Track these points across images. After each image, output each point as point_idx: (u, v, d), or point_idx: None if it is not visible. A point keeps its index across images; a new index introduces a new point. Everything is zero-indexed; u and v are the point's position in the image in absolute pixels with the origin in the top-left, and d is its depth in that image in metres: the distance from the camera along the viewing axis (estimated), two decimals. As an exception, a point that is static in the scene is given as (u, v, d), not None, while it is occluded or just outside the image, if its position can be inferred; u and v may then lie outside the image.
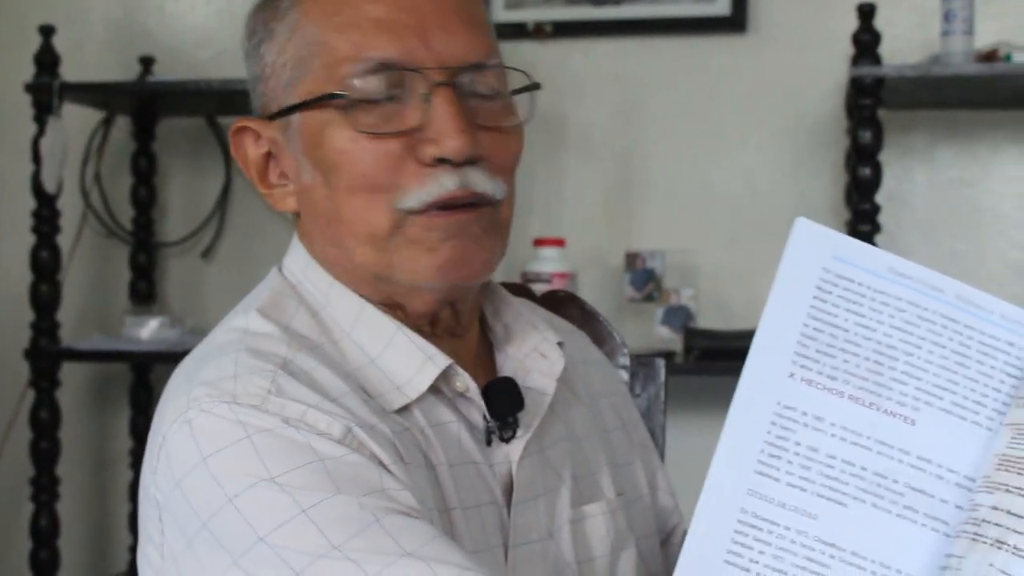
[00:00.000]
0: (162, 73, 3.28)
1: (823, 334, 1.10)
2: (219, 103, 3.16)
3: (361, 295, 1.20)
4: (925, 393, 1.10)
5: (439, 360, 1.17)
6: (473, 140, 1.15)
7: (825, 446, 1.07)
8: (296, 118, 1.18)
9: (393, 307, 1.20)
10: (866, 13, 2.68)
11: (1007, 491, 1.03)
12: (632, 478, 1.37)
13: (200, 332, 3.19)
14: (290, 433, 1.06)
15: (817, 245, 1.13)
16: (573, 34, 3.18)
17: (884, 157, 2.91)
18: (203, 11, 3.37)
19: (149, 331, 3.15)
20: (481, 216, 1.17)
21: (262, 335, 1.15)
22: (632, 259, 3.03)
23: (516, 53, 3.17)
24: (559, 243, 2.99)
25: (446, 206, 1.15)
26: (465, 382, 1.18)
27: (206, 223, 3.38)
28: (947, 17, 2.68)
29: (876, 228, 2.73)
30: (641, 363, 1.55)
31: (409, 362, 1.17)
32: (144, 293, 3.34)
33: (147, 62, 3.29)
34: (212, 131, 3.35)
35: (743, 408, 1.08)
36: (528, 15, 3.17)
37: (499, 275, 3.41)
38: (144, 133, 3.34)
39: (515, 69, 1.22)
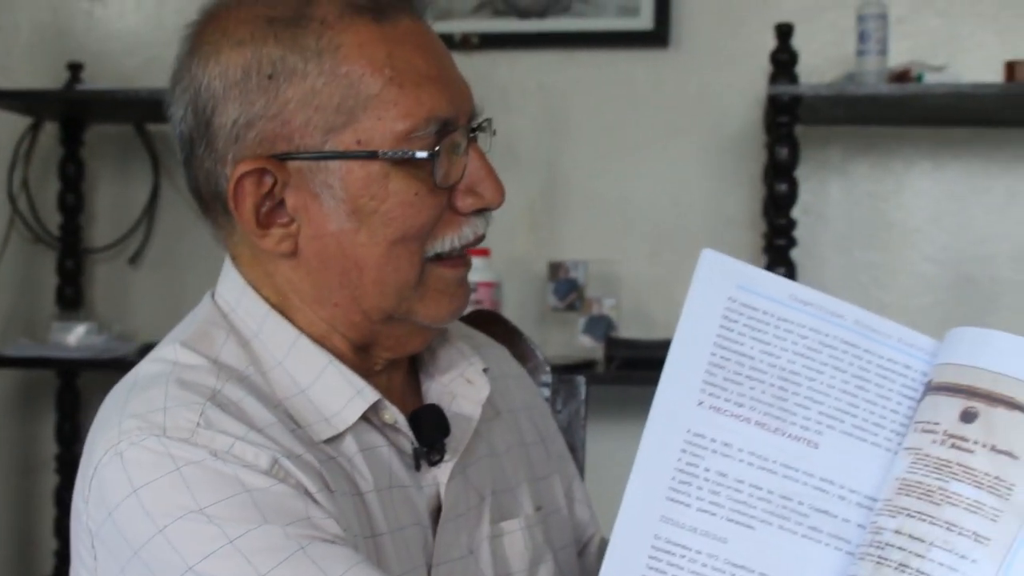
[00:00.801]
0: (91, 79, 3.29)
1: (730, 362, 1.14)
2: (148, 111, 3.16)
3: (310, 332, 1.23)
4: (827, 417, 1.13)
5: (368, 394, 1.21)
6: (503, 188, 1.23)
7: (733, 471, 1.11)
8: (336, 165, 1.18)
9: (365, 348, 1.25)
10: (784, 33, 2.75)
11: (908, 515, 1.07)
12: (550, 491, 1.42)
13: (127, 338, 3.21)
14: (218, 465, 1.09)
15: (722, 275, 1.16)
16: (499, 46, 3.22)
17: (801, 171, 2.98)
18: (132, 18, 3.38)
19: (76, 337, 3.15)
20: (471, 261, 1.27)
21: (191, 367, 1.18)
22: (555, 269, 3.08)
23: (443, 64, 3.21)
24: (484, 253, 3.02)
25: (462, 251, 1.23)
26: (393, 415, 1.23)
27: (134, 229, 3.39)
28: (862, 37, 2.76)
29: (791, 242, 2.80)
30: (562, 380, 1.60)
31: (339, 395, 1.20)
32: (71, 299, 3.34)
33: (75, 68, 3.29)
34: (140, 138, 3.35)
35: (654, 436, 1.11)
36: (455, 26, 3.21)
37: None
38: (72, 139, 3.34)
39: (488, 119, 1.27)
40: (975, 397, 1.08)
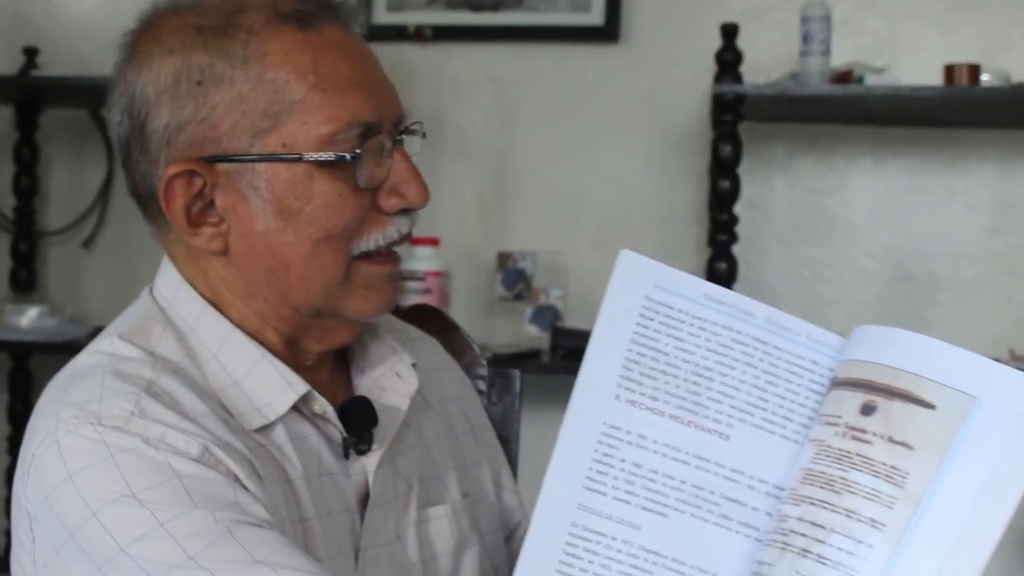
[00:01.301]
0: (46, 64, 3.31)
1: (645, 358, 1.18)
2: (102, 97, 3.13)
3: (243, 326, 1.27)
4: (738, 411, 1.19)
5: (298, 386, 1.26)
6: (428, 189, 1.27)
7: (648, 462, 1.16)
8: (263, 167, 1.22)
9: (295, 341, 1.29)
10: (728, 33, 2.80)
11: (811, 504, 1.12)
12: (478, 479, 1.47)
13: (80, 321, 3.24)
14: (150, 453, 1.14)
15: (640, 275, 1.21)
16: (452, 38, 3.26)
17: (746, 167, 3.03)
18: (88, 4, 3.40)
19: (29, 319, 3.17)
20: (400, 257, 1.31)
21: (127, 359, 1.22)
22: (504, 259, 3.13)
23: (396, 55, 3.25)
24: (433, 242, 3.07)
25: (390, 249, 1.28)
26: (323, 406, 1.27)
27: (88, 213, 3.41)
28: (805, 39, 2.81)
29: (733, 238, 2.85)
30: (498, 374, 1.64)
31: (270, 386, 1.25)
32: (25, 282, 3.36)
33: (31, 53, 3.31)
34: (95, 123, 3.38)
35: (573, 428, 1.16)
36: (409, 18, 3.25)
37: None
38: (27, 124, 3.36)
39: (417, 121, 1.32)
40: (875, 391, 1.14)
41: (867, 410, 1.14)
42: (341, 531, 1.27)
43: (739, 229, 3.04)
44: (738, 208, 3.00)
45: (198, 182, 1.23)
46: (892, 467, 1.11)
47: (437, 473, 1.40)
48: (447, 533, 1.37)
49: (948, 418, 1.11)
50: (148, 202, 1.27)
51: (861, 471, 1.11)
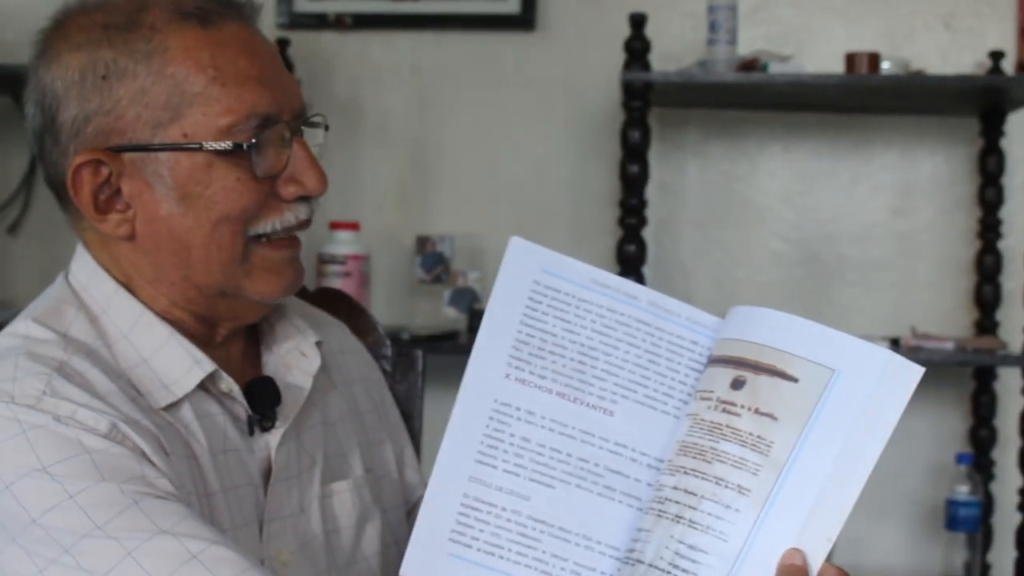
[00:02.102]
0: (-33, 53, 3.32)
1: (534, 339, 1.25)
2: (24, 84, 3.20)
3: (155, 308, 1.34)
4: (622, 388, 1.25)
5: (205, 365, 1.33)
6: (326, 178, 1.34)
7: (536, 436, 1.22)
8: (166, 156, 1.28)
9: (206, 320, 1.36)
10: (637, 22, 2.86)
11: (685, 473, 1.20)
12: (381, 456, 1.54)
13: (7, 306, 3.25)
14: (60, 429, 1.20)
15: (529, 260, 1.28)
16: (372, 26, 3.30)
17: (659, 151, 3.12)
18: (10, -8, 3.42)
19: (-47, 305, 3.20)
20: (300, 241, 1.38)
21: (40, 340, 1.29)
22: (423, 243, 3.18)
23: (317, 43, 3.30)
24: (354, 227, 3.12)
25: (289, 233, 1.34)
26: (228, 384, 1.34)
27: (12, 199, 3.43)
28: (712, 27, 2.88)
29: (643, 221, 2.92)
30: (401, 354, 1.71)
31: (178, 365, 1.32)
32: (-51, 267, 3.39)
33: (-47, 41, 3.33)
34: (18, 111, 3.38)
35: (465, 405, 1.22)
36: (329, 7, 3.29)
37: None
38: (-51, 110, 3.38)
39: (318, 114, 1.40)
40: (744, 367, 1.21)
41: (737, 384, 1.21)
42: (245, 504, 1.33)
43: (653, 212, 3.12)
44: (651, 192, 3.07)
45: (105, 170, 1.30)
46: (758, 437, 1.18)
47: (342, 450, 1.47)
48: (349, 507, 1.44)
49: (809, 390, 1.18)
50: (61, 191, 1.33)
51: (730, 441, 1.19)
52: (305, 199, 1.35)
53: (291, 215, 1.34)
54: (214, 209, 1.30)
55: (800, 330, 1.22)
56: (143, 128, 1.29)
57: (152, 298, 1.34)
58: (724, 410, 1.21)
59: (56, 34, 1.32)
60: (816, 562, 1.16)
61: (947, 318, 3.20)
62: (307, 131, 1.37)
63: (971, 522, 2.99)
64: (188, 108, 1.28)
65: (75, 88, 1.29)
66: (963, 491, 3.00)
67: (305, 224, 1.36)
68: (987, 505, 3.09)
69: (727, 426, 1.20)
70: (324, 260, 3.07)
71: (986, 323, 3.13)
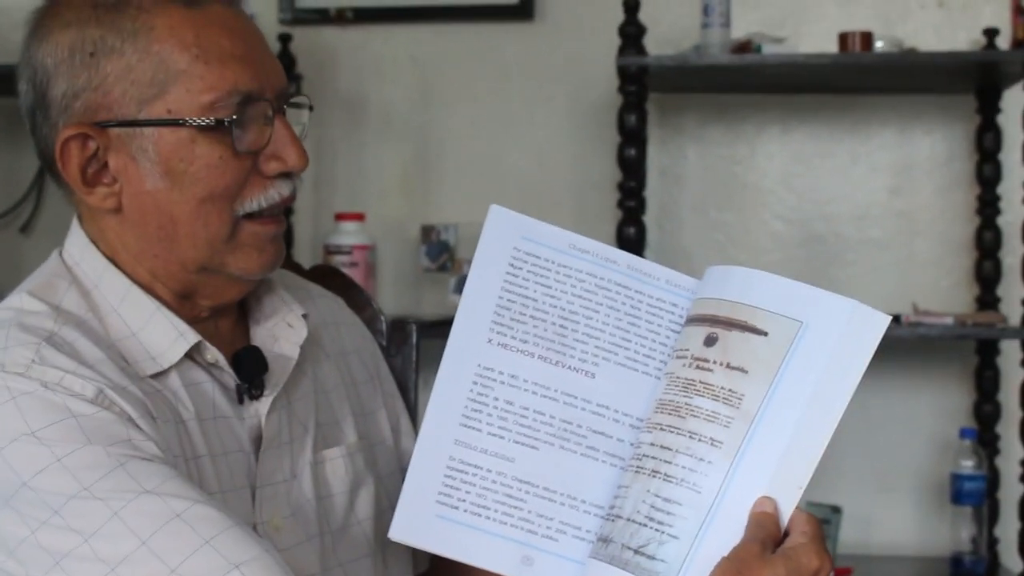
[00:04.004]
0: (-24, 56, 3.37)
1: (516, 304, 1.28)
2: (33, 85, 3.24)
3: (138, 281, 1.38)
4: (603, 350, 1.28)
5: (189, 336, 1.37)
6: (306, 155, 1.37)
7: (520, 400, 1.26)
8: (150, 132, 1.33)
9: (186, 296, 1.39)
10: (631, 7, 2.89)
11: (661, 429, 1.23)
12: (376, 425, 1.57)
13: (18, 304, 3.31)
14: (48, 395, 1.25)
15: (509, 227, 1.32)
16: (373, 20, 3.34)
17: (659, 136, 3.15)
18: (17, -5, 3.46)
19: (-33, 303, 3.24)
20: (285, 220, 1.42)
21: (32, 312, 1.33)
22: (427, 232, 3.21)
23: (319, 38, 3.34)
24: (359, 217, 3.15)
25: (273, 211, 1.38)
26: (214, 355, 1.38)
27: (24, 199, 3.47)
28: (706, 10, 2.91)
29: (642, 204, 2.94)
30: (395, 327, 1.75)
31: (164, 337, 1.36)
32: (-37, 266, 3.44)
33: (-37, 44, 3.38)
34: (28, 111, 3.44)
35: (449, 371, 1.26)
36: (330, 1, 3.33)
37: (304, 247, 3.55)
38: (-39, 112, 3.43)
39: (302, 95, 1.44)
40: (717, 324, 1.25)
41: (710, 341, 1.24)
42: (236, 470, 1.37)
43: (653, 197, 3.15)
44: (651, 177, 3.10)
45: (92, 145, 1.34)
46: (729, 390, 1.22)
47: (335, 418, 1.51)
48: (342, 473, 1.48)
49: (778, 343, 1.22)
50: (51, 165, 1.38)
51: (703, 396, 1.22)
52: (287, 176, 1.39)
53: (275, 192, 1.38)
54: (198, 185, 1.34)
55: (770, 285, 1.26)
56: (129, 104, 1.33)
57: (136, 272, 1.39)
58: (698, 367, 1.24)
59: (48, 13, 1.37)
60: (787, 509, 1.20)
61: (948, 295, 3.23)
62: (291, 113, 1.41)
63: (977, 496, 3.01)
64: (172, 85, 1.32)
65: (64, 65, 1.34)
66: (968, 466, 3.02)
67: (288, 200, 1.40)
68: (992, 479, 3.11)
69: (700, 382, 1.23)
70: (330, 251, 3.11)
71: (987, 299, 3.15)
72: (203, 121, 1.33)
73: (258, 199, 1.37)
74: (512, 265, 1.30)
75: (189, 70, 1.33)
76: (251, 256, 1.38)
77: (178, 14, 1.34)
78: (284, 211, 1.41)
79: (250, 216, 1.37)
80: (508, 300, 1.29)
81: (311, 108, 1.45)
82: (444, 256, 3.20)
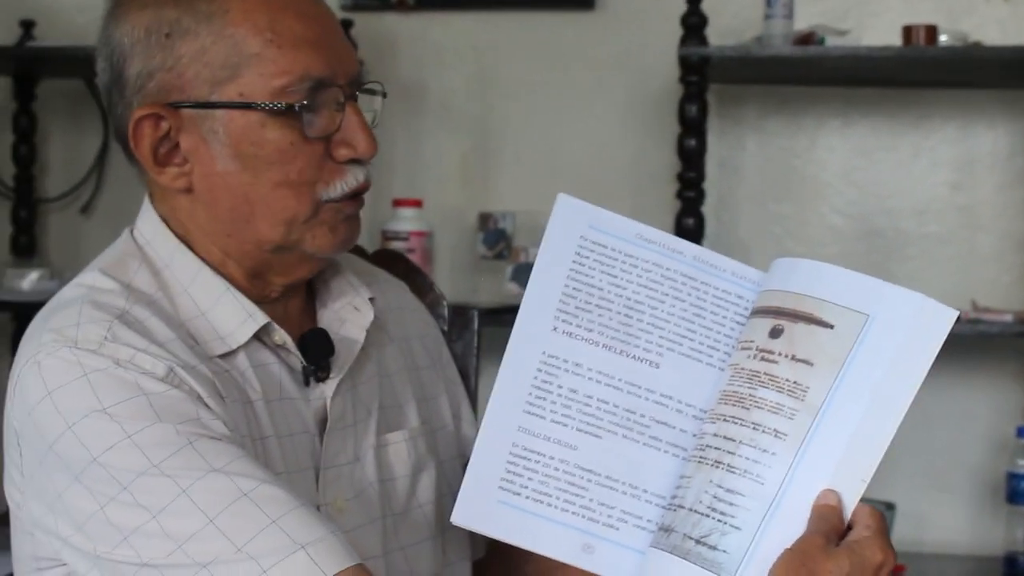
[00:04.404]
0: (43, 37, 3.39)
1: (581, 293, 1.29)
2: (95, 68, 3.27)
3: (209, 261, 1.39)
4: (668, 341, 1.29)
5: (258, 318, 1.38)
6: (376, 142, 1.39)
7: (583, 388, 1.26)
8: (221, 114, 1.34)
9: (258, 275, 1.41)
10: (693, -2, 2.89)
11: (724, 420, 1.23)
12: (437, 410, 1.59)
13: (78, 284, 3.34)
14: (120, 372, 1.27)
15: (576, 216, 1.33)
16: (433, 7, 3.34)
17: (718, 127, 3.13)
18: (82, -23, 3.49)
19: (29, 282, 3.26)
20: (362, 201, 1.43)
21: (105, 290, 1.35)
22: (485, 219, 3.22)
23: (380, 24, 3.35)
24: (416, 204, 3.16)
25: (354, 194, 1.39)
26: (282, 336, 1.40)
27: (85, 180, 3.50)
28: (769, 2, 2.89)
29: (701, 194, 2.94)
30: (457, 313, 1.76)
31: (233, 317, 1.38)
32: (25, 246, 3.46)
33: (28, 25, 3.40)
34: (91, 93, 3.47)
35: (514, 358, 1.27)
36: (391, -11, 3.35)
37: (362, 233, 3.58)
38: (25, 94, 3.44)
39: (375, 81, 1.45)
40: (782, 316, 1.25)
41: (775, 333, 1.25)
42: (301, 451, 1.39)
43: (712, 188, 3.14)
44: (710, 168, 3.09)
45: (164, 125, 1.36)
46: (795, 383, 1.22)
47: (397, 402, 1.52)
48: (404, 456, 1.49)
49: (844, 335, 1.22)
50: (125, 144, 1.40)
51: (768, 388, 1.22)
52: (359, 163, 1.40)
53: (352, 177, 1.39)
54: (271, 170, 1.35)
55: (836, 278, 1.26)
56: (202, 86, 1.35)
57: (207, 252, 1.40)
58: (763, 358, 1.24)
59: None
60: (851, 502, 1.19)
61: (1008, 291, 3.20)
62: (364, 99, 1.42)
63: (1033, 495, 2.99)
64: (245, 68, 1.34)
65: (140, 45, 1.36)
66: (1024, 464, 3.01)
67: (365, 187, 1.41)
68: (1049, 478, 3.08)
69: (765, 373, 1.23)
70: (388, 236, 3.12)
71: (1048, 296, 3.12)
72: (274, 105, 1.34)
73: (339, 184, 1.38)
74: (579, 254, 1.31)
75: (262, 54, 1.34)
76: (325, 234, 1.39)
77: None
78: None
79: (330, 200, 1.38)
80: (574, 289, 1.30)
81: (384, 95, 1.46)
82: (501, 244, 3.21)
